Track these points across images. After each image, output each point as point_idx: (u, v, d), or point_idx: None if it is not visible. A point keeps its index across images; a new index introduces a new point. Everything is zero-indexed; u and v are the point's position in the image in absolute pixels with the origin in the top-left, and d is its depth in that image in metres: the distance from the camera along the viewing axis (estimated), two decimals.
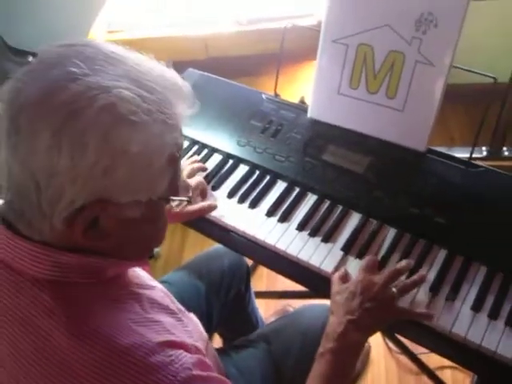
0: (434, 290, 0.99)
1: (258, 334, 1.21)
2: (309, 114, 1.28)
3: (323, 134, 1.24)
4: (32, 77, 0.61)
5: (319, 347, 0.89)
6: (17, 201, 0.64)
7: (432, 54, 1.09)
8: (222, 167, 1.27)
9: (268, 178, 1.23)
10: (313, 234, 1.11)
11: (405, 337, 1.01)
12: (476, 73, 1.11)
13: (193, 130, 1.33)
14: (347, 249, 1.08)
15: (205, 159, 1.30)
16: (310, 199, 1.17)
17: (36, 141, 0.58)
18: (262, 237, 1.12)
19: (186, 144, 1.34)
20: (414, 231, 1.08)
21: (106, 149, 0.59)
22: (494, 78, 1.10)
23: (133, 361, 0.62)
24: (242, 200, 1.19)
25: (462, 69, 1.12)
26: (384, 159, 1.17)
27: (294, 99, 1.42)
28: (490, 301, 0.96)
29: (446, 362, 1.66)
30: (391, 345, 1.73)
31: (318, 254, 1.07)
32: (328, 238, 1.10)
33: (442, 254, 1.04)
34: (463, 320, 0.94)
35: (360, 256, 1.06)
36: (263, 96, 1.36)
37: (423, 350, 1.54)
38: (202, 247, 1.96)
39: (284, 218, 1.14)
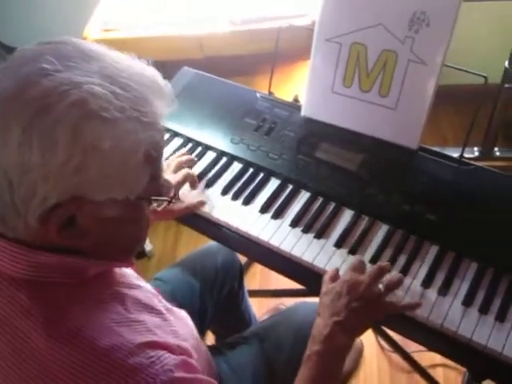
0: (426, 285, 1.00)
1: (250, 331, 1.22)
2: (302, 113, 1.28)
3: (316, 132, 1.25)
4: (6, 73, 0.61)
5: (306, 350, 0.87)
6: None
7: (424, 53, 1.10)
8: (215, 165, 1.28)
9: (262, 175, 1.24)
10: (306, 231, 1.12)
11: (396, 332, 1.01)
12: (467, 71, 1.12)
13: (187, 128, 1.34)
14: (340, 245, 1.08)
15: (199, 157, 1.30)
16: (303, 196, 1.18)
17: (7, 137, 0.58)
18: (255, 233, 1.12)
19: (180, 141, 1.35)
20: (405, 228, 1.09)
21: (76, 145, 0.58)
22: (484, 76, 1.11)
23: (112, 363, 0.61)
24: (235, 197, 1.20)
25: (453, 68, 1.13)
26: (377, 157, 1.19)
27: (288, 98, 1.43)
28: (480, 296, 0.97)
29: (438, 360, 1.68)
30: (383, 343, 1.74)
31: (311, 250, 1.08)
32: (321, 235, 1.11)
33: (433, 250, 1.05)
34: (454, 315, 0.95)
35: (353, 252, 1.07)
36: (257, 94, 1.37)
37: (415, 348, 1.56)
38: (195, 245, 1.97)
39: (277, 215, 1.15)
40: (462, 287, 0.99)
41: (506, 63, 1.90)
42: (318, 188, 1.18)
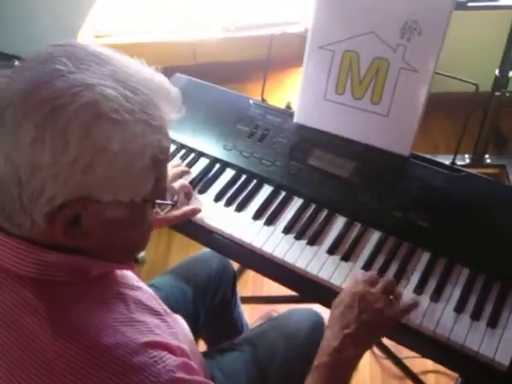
0: (418, 291, 1.00)
1: (243, 338, 1.22)
2: (295, 119, 1.29)
3: (309, 139, 1.26)
4: (20, 73, 0.62)
5: (314, 360, 0.87)
6: None
7: (416, 60, 1.11)
8: (208, 171, 1.28)
9: (254, 181, 1.24)
10: (298, 237, 1.12)
11: (389, 338, 1.02)
12: (458, 79, 1.13)
13: (180, 134, 1.34)
14: (332, 252, 1.09)
15: (192, 163, 1.31)
16: (296, 203, 1.19)
17: (20, 134, 0.59)
18: (248, 240, 1.13)
19: (173, 148, 1.35)
20: (398, 234, 1.09)
21: (86, 145, 0.59)
22: (475, 84, 1.12)
23: (115, 360, 0.62)
24: (228, 203, 1.20)
25: (444, 75, 1.14)
26: (369, 164, 1.19)
27: (281, 105, 1.43)
28: (472, 302, 0.98)
29: (430, 367, 1.69)
30: (375, 349, 1.74)
31: (304, 257, 1.08)
32: (314, 241, 1.11)
33: (425, 257, 1.06)
34: (446, 321, 0.96)
35: (345, 259, 1.07)
36: (250, 101, 1.38)
37: (407, 354, 1.57)
38: (187, 251, 1.97)
39: (270, 222, 1.15)
40: (454, 293, 1.00)
41: (497, 71, 1.92)
42: (310, 195, 1.18)
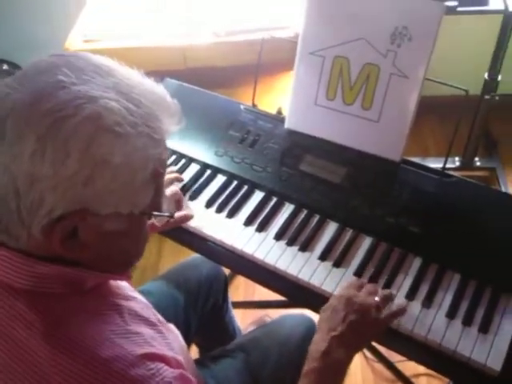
0: (410, 297, 1.00)
1: (235, 344, 1.21)
2: (286, 125, 1.29)
3: (300, 145, 1.26)
4: (21, 83, 0.61)
5: (304, 366, 0.87)
6: None
7: (406, 66, 1.11)
8: (199, 177, 1.28)
9: (246, 187, 1.24)
10: (290, 244, 1.12)
11: (381, 344, 1.02)
12: (448, 85, 1.14)
13: (171, 141, 1.31)
14: (324, 258, 1.09)
15: (182, 169, 1.30)
16: (288, 209, 1.19)
17: (21, 145, 0.58)
18: (239, 246, 1.12)
19: None
20: (389, 240, 1.10)
21: (87, 158, 0.59)
22: (465, 90, 1.13)
23: (113, 373, 0.62)
24: (219, 210, 1.20)
25: (435, 81, 1.14)
26: (360, 169, 1.19)
27: (272, 110, 1.43)
28: (463, 308, 0.98)
29: (422, 370, 1.69)
30: (367, 353, 1.74)
31: (296, 263, 1.08)
32: (305, 247, 1.11)
33: (416, 263, 1.06)
34: (438, 327, 0.96)
35: (337, 265, 1.07)
36: (241, 106, 1.37)
37: (399, 358, 1.57)
38: (178, 257, 1.95)
39: (262, 228, 1.15)
40: (445, 299, 1.00)
41: (486, 75, 1.93)
42: (302, 200, 1.18)
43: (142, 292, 1.24)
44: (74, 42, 1.87)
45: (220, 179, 1.26)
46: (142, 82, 0.67)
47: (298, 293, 1.07)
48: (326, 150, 1.23)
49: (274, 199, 1.20)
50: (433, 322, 0.97)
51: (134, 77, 0.67)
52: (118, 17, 1.94)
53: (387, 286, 1.02)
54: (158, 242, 2.20)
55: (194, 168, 1.30)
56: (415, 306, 0.99)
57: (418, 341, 0.96)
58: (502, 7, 1.65)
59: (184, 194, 1.23)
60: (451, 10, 1.60)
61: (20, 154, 0.58)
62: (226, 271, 1.45)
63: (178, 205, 1.19)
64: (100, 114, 0.59)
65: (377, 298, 0.92)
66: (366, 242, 1.11)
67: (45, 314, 0.64)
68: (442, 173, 1.16)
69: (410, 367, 1.67)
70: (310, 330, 1.19)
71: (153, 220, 0.78)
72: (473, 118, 1.99)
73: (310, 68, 1.21)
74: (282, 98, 1.42)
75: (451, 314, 0.97)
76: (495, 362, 0.90)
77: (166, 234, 1.21)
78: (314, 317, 1.18)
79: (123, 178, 0.62)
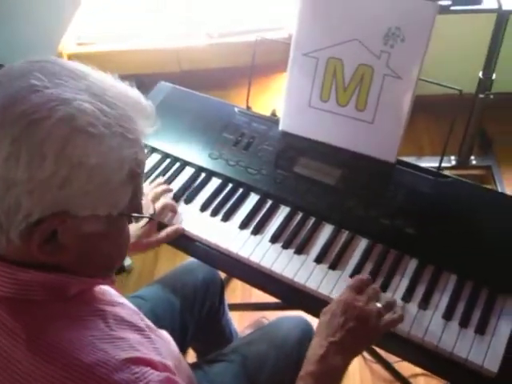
0: (407, 299, 1.00)
1: (232, 348, 1.20)
2: (280, 127, 1.28)
3: (295, 147, 1.25)
4: None
5: (301, 369, 0.86)
6: None
7: (400, 67, 1.11)
8: (194, 180, 1.27)
9: (241, 190, 1.23)
10: (286, 246, 1.11)
11: (378, 347, 1.01)
12: (443, 85, 1.14)
13: (164, 144, 1.33)
14: (320, 260, 1.08)
15: (177, 173, 1.30)
16: (283, 211, 1.18)
17: None
18: (235, 249, 1.12)
19: (157, 157, 1.33)
20: (385, 242, 1.09)
21: (63, 160, 0.59)
22: (459, 90, 1.12)
23: (96, 378, 0.61)
24: (214, 213, 1.19)
25: (429, 82, 1.14)
26: (355, 171, 1.19)
27: (266, 111, 1.43)
28: (460, 309, 0.98)
29: (419, 370, 1.68)
30: (365, 354, 1.74)
31: (292, 266, 1.08)
32: (301, 250, 1.10)
33: (412, 264, 1.06)
34: (435, 328, 0.95)
35: (333, 267, 1.07)
36: (235, 109, 1.37)
37: (397, 358, 1.56)
38: (174, 262, 1.95)
39: (257, 231, 1.15)
40: (442, 300, 0.99)
41: (480, 74, 1.93)
42: (297, 203, 1.17)
43: (137, 297, 1.25)
44: (68, 45, 1.86)
45: (215, 182, 1.26)
46: (115, 85, 0.67)
47: (294, 296, 1.06)
48: (320, 152, 1.23)
49: (269, 202, 1.20)
50: (429, 323, 0.96)
51: (108, 80, 0.67)
52: (112, 19, 1.93)
53: (383, 287, 1.02)
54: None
55: (188, 171, 1.30)
56: (412, 308, 0.99)
57: (415, 342, 0.95)
58: (495, 6, 1.65)
59: (179, 198, 1.23)
60: (445, 10, 1.60)
61: None
62: (223, 274, 1.44)
63: (174, 215, 1.19)
64: (73, 115, 0.59)
65: (378, 304, 0.91)
66: (362, 244, 1.10)
67: (27, 321, 0.64)
68: (437, 173, 1.16)
69: (407, 367, 1.66)
70: (306, 332, 1.19)
71: (133, 222, 0.77)
72: (468, 117, 1.99)
73: (304, 69, 1.21)
74: (276, 100, 1.42)
75: (448, 316, 0.97)
76: (492, 364, 0.90)
77: None
78: (311, 319, 1.18)
79: (99, 179, 0.62)
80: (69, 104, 0.60)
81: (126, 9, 1.96)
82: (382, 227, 1.10)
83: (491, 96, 1.94)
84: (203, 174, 1.28)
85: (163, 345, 0.78)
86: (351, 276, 1.05)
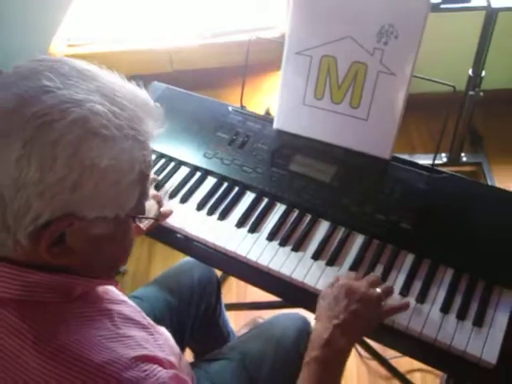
0: (404, 293, 1.01)
1: (230, 346, 1.21)
2: (275, 125, 1.29)
3: (289, 145, 1.26)
4: (3, 88, 0.61)
5: (305, 355, 0.87)
6: None
7: (393, 64, 1.12)
8: (189, 180, 1.27)
9: (236, 189, 1.23)
10: (283, 244, 1.12)
11: (377, 341, 1.02)
12: (436, 81, 1.14)
13: (159, 144, 1.33)
14: (317, 257, 1.09)
15: (172, 172, 1.30)
16: (279, 209, 1.18)
17: (6, 151, 0.57)
18: (232, 248, 1.12)
19: (152, 157, 1.33)
20: (381, 237, 1.10)
21: (74, 162, 0.59)
22: (453, 86, 1.13)
23: (107, 377, 0.61)
24: (211, 212, 1.19)
25: (422, 78, 1.15)
26: (350, 168, 1.20)
27: (260, 111, 1.43)
28: (457, 302, 0.99)
29: (416, 366, 1.70)
30: (362, 351, 1.74)
31: (289, 263, 1.08)
32: (298, 247, 1.11)
33: (409, 259, 1.06)
34: (433, 322, 0.96)
35: (330, 263, 1.07)
36: (229, 108, 1.37)
37: (393, 354, 1.58)
38: (169, 262, 1.95)
39: (254, 229, 1.15)
40: (439, 294, 1.00)
41: (470, 71, 1.95)
42: (293, 200, 1.18)
43: (135, 297, 1.25)
44: (58, 46, 1.85)
45: (210, 181, 1.26)
46: (124, 86, 0.67)
47: (292, 293, 1.07)
48: (315, 150, 1.23)
49: (266, 200, 1.20)
50: (427, 317, 0.97)
51: (117, 81, 0.67)
52: (103, 20, 1.93)
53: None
54: (148, 247, 2.19)
55: (183, 171, 1.30)
56: (410, 302, 0.99)
57: (414, 336, 0.96)
58: (484, 4, 1.67)
59: (173, 197, 1.23)
60: (435, 8, 1.61)
61: (5, 160, 0.57)
62: (218, 273, 1.45)
63: (160, 205, 1.19)
64: (86, 117, 0.59)
65: (378, 290, 0.92)
66: (359, 240, 1.11)
67: (34, 323, 0.64)
68: (431, 169, 1.17)
69: (404, 363, 1.68)
70: (303, 327, 1.19)
71: (138, 223, 0.78)
72: (458, 114, 2.01)
73: (298, 68, 1.21)
74: (270, 99, 1.42)
75: (445, 309, 0.98)
76: (491, 355, 0.91)
77: (158, 239, 1.20)
78: (309, 315, 1.19)
79: (110, 181, 0.62)
80: (81, 106, 0.59)
81: (116, 9, 1.95)
82: (378, 223, 1.10)
83: (481, 93, 1.96)
84: (198, 174, 1.28)
85: (165, 342, 0.78)
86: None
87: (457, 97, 1.16)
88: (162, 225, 1.17)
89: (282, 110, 1.27)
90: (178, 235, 1.17)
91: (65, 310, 0.67)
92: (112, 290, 0.78)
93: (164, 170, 1.31)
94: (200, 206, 1.21)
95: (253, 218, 1.17)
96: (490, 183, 2.18)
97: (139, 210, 0.70)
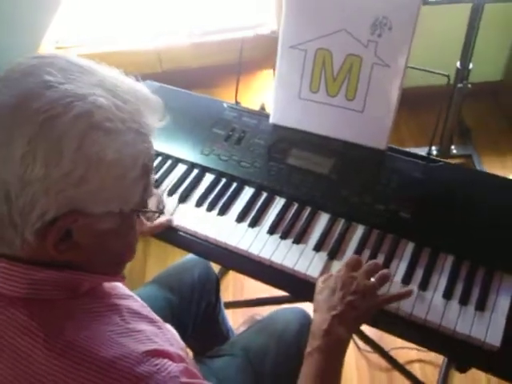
0: (406, 281, 1.02)
1: (231, 343, 1.21)
2: (271, 120, 1.29)
3: (286, 139, 1.27)
4: (5, 85, 0.60)
5: (307, 347, 0.88)
6: None
7: (388, 56, 1.13)
8: (187, 177, 1.27)
9: (235, 184, 1.23)
10: (284, 237, 1.12)
11: (380, 329, 1.03)
12: (430, 72, 1.16)
13: (156, 142, 1.31)
14: (319, 248, 1.09)
15: (169, 170, 1.29)
16: (279, 203, 1.19)
17: (11, 148, 0.57)
18: (233, 243, 1.12)
19: None
20: (381, 227, 1.11)
21: (80, 157, 0.59)
22: (447, 75, 1.15)
23: (120, 373, 0.61)
24: (210, 208, 1.20)
25: (416, 69, 1.17)
26: (347, 159, 1.21)
27: (254, 107, 1.43)
28: (459, 288, 1.00)
29: (414, 356, 1.71)
30: (360, 343, 1.75)
31: (291, 256, 1.09)
32: (299, 240, 1.11)
33: (410, 247, 1.08)
34: (436, 308, 0.97)
35: (332, 255, 1.08)
36: (224, 104, 1.38)
37: (392, 345, 1.59)
38: (165, 259, 1.95)
39: (254, 223, 1.15)
40: (440, 281, 1.02)
41: (458, 64, 1.97)
42: (292, 194, 1.18)
43: None
44: (47, 48, 1.84)
45: (208, 178, 1.26)
46: (124, 80, 0.67)
47: (295, 286, 1.07)
48: (312, 143, 1.24)
49: (265, 194, 1.21)
50: (430, 303, 0.98)
51: (116, 75, 0.67)
52: (91, 22, 1.92)
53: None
54: (143, 245, 2.18)
55: (181, 168, 1.30)
56: (412, 290, 1.00)
57: (418, 323, 0.97)
58: None
59: (173, 194, 1.23)
60: (425, 1, 1.63)
61: (10, 157, 0.57)
62: (216, 271, 1.45)
63: (160, 205, 1.19)
64: (90, 111, 0.59)
65: (372, 279, 0.93)
66: (359, 231, 1.12)
67: (43, 320, 0.64)
68: (427, 158, 1.19)
69: (403, 354, 1.69)
70: (303, 320, 1.20)
71: (142, 219, 0.78)
72: (447, 107, 2.03)
73: (292, 62, 1.22)
74: (264, 95, 1.43)
75: (448, 295, 0.99)
76: (494, 338, 0.92)
77: (159, 237, 1.20)
78: (307, 307, 1.19)
79: (115, 175, 0.62)
80: (85, 99, 0.59)
81: (105, 10, 1.95)
82: (378, 213, 1.11)
83: (469, 85, 1.98)
84: (196, 171, 1.28)
85: (172, 336, 0.78)
86: None
87: (448, 89, 1.18)
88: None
89: (278, 105, 1.28)
90: (179, 232, 1.17)
91: (73, 307, 0.67)
92: (118, 286, 0.78)
93: (161, 168, 1.30)
94: (199, 203, 1.21)
95: (253, 213, 1.17)
96: None
97: (142, 204, 0.70)
